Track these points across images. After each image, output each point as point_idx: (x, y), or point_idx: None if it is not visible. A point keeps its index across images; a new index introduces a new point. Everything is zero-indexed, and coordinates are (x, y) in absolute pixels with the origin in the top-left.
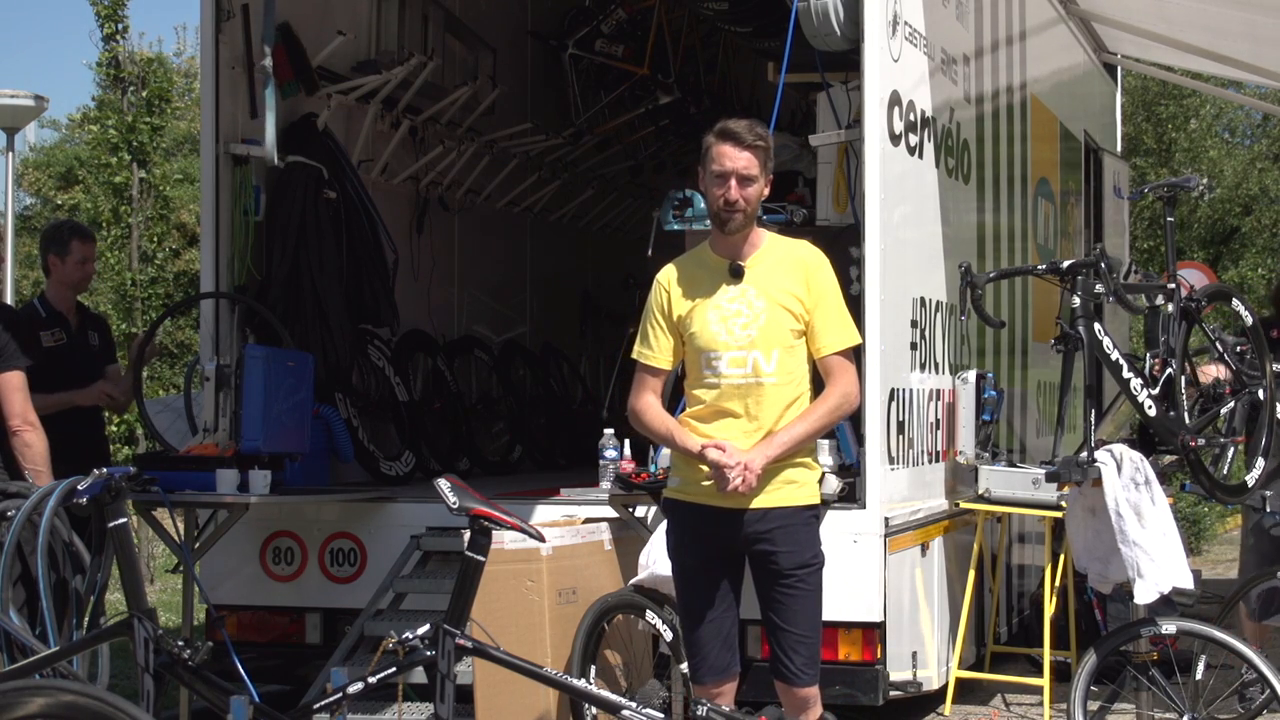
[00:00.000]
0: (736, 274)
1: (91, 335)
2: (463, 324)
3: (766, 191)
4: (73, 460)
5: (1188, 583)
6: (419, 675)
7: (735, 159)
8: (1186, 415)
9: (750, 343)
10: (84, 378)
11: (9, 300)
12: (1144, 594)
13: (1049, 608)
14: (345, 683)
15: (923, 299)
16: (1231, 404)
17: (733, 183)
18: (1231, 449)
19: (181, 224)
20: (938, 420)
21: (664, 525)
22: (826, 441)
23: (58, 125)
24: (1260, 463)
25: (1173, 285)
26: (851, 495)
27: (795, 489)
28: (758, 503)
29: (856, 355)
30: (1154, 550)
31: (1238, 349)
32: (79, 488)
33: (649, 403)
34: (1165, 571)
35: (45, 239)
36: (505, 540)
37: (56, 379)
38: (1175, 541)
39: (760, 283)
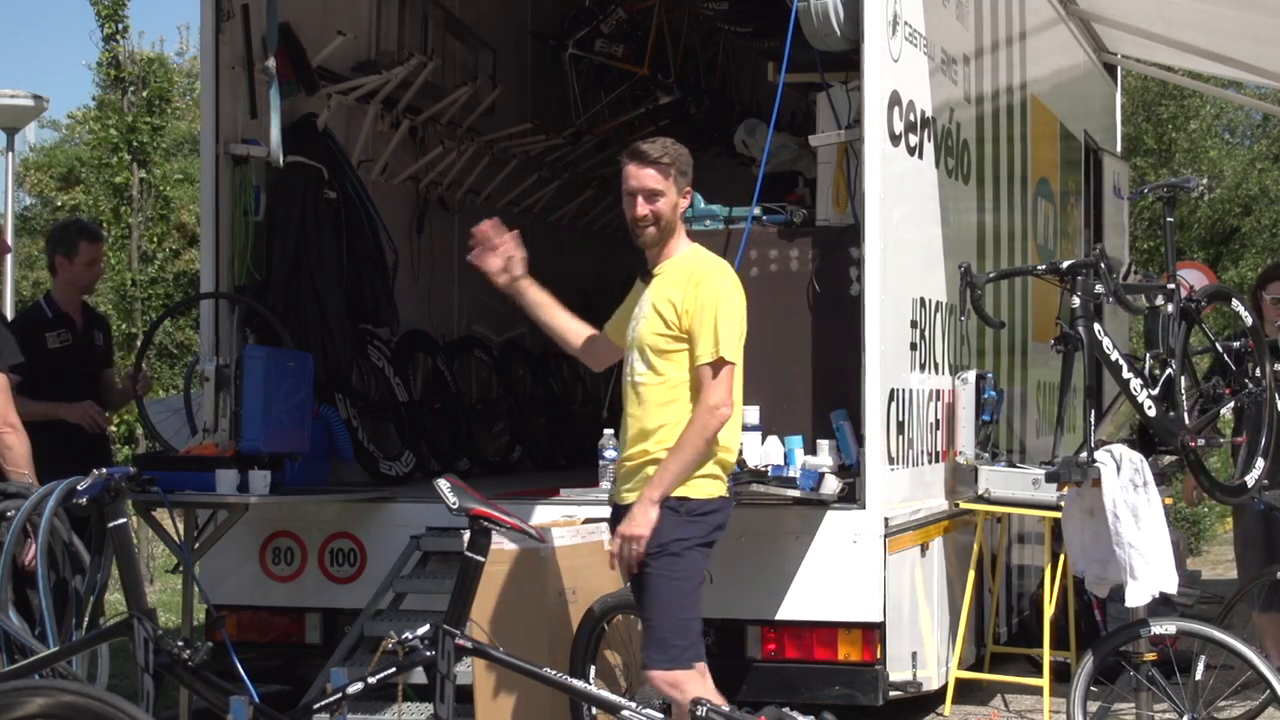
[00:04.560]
0: (645, 279)
1: (96, 336)
2: (463, 324)
3: (684, 203)
4: (73, 459)
5: (1172, 588)
6: (419, 675)
7: (639, 177)
8: (1186, 415)
9: (631, 343)
10: (89, 379)
11: (8, 300)
12: (1136, 596)
13: (1049, 608)
14: (345, 683)
15: (922, 299)
16: (1232, 403)
17: (639, 199)
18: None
19: (182, 224)
20: (937, 420)
21: None
22: (827, 442)
23: (58, 125)
24: (1260, 463)
25: (1172, 286)
26: (851, 496)
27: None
28: (627, 499)
29: (857, 355)
30: (1148, 552)
31: (1238, 349)
32: (79, 488)
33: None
34: (1158, 574)
35: (53, 239)
36: (505, 540)
37: (62, 380)
38: (1166, 545)
39: (655, 288)
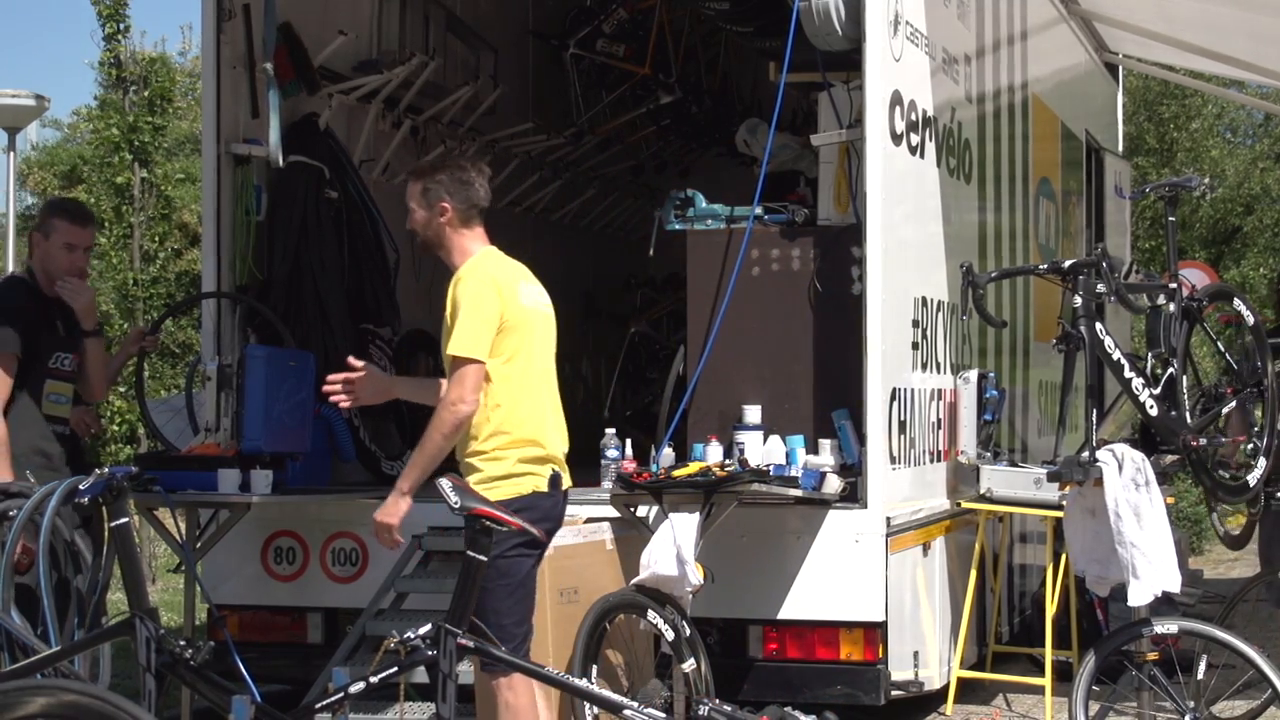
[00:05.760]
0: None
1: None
2: None
3: (438, 219)
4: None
5: (1175, 587)
6: (421, 675)
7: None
8: (1188, 415)
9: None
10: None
11: None
12: (1139, 595)
13: (1050, 607)
14: (347, 682)
15: (924, 298)
16: (1233, 403)
17: None
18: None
19: (183, 224)
20: (939, 420)
21: (665, 525)
22: (829, 441)
23: (60, 125)
24: (1262, 462)
25: (1174, 285)
26: (853, 495)
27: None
28: None
29: (858, 355)
30: (1151, 552)
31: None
32: (80, 487)
33: None
34: (1160, 573)
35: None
36: None
37: None
38: (1168, 545)
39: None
